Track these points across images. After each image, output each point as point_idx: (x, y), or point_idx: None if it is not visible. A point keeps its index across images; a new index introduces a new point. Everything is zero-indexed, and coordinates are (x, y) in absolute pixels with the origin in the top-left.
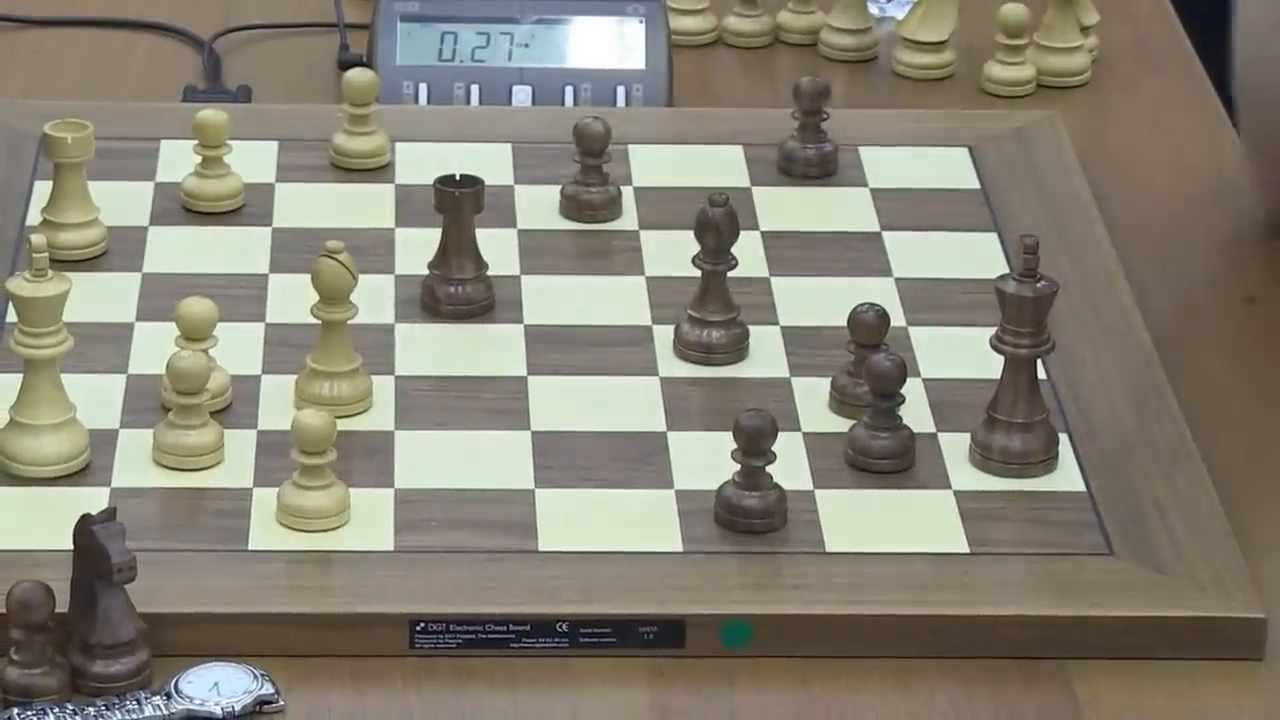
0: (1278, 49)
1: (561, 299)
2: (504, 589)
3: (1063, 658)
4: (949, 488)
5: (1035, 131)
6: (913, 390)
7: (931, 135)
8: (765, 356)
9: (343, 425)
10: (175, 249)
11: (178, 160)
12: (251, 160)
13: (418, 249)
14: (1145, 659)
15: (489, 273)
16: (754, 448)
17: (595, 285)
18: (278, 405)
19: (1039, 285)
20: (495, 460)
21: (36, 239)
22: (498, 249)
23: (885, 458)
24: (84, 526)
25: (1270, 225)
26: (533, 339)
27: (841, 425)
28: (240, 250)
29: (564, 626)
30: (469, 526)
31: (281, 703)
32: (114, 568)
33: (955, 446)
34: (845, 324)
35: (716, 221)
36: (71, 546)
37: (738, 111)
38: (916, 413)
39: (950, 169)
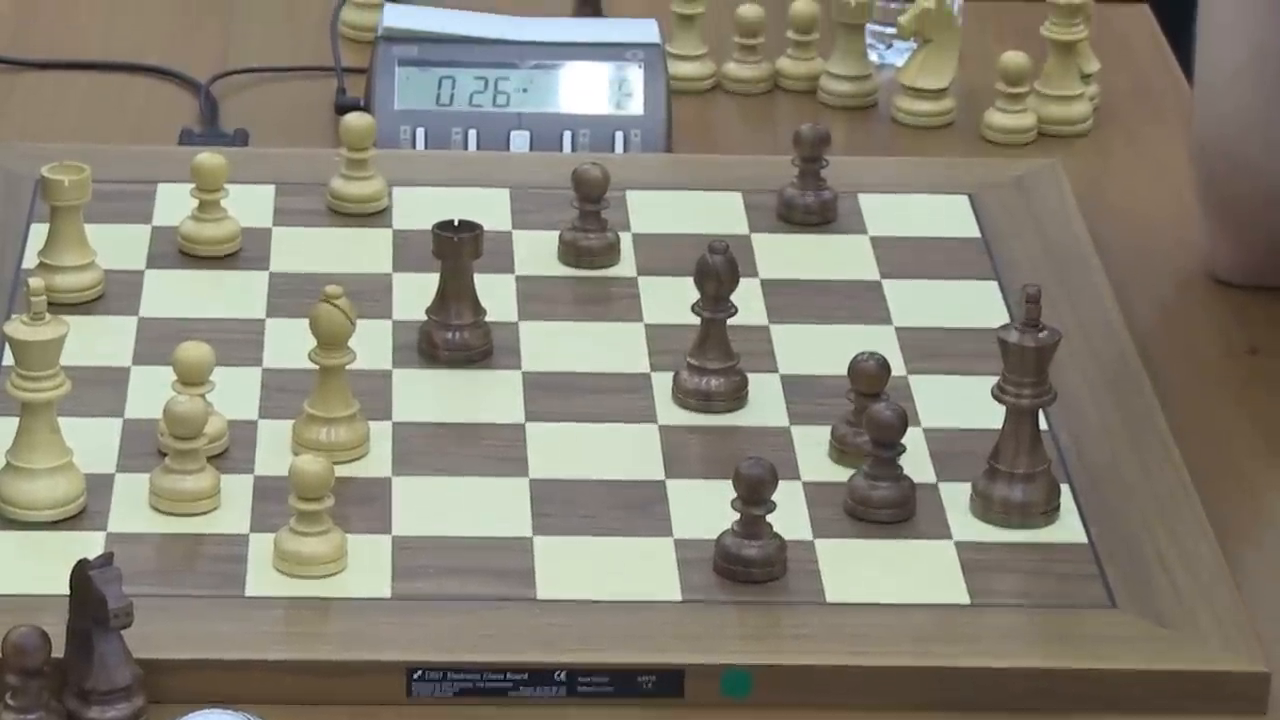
0: (1234, 105)
1: (560, 345)
2: (502, 637)
3: (1064, 711)
4: (950, 538)
5: (1036, 180)
6: (913, 440)
7: (932, 183)
8: (765, 405)
9: (340, 471)
10: (172, 293)
11: (175, 203)
12: (249, 204)
13: (415, 294)
14: (1147, 713)
15: (487, 318)
16: (754, 496)
17: (594, 331)
18: (275, 450)
19: (1041, 335)
20: (493, 507)
21: (34, 282)
22: (496, 295)
23: (885, 507)
24: (81, 571)
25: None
26: (531, 385)
27: (842, 474)
28: (237, 294)
29: (562, 675)
30: (467, 574)
31: None
32: (111, 613)
33: (956, 496)
34: (845, 372)
35: (716, 269)
36: (68, 591)
37: (737, 158)
38: (917, 462)
39: (951, 217)
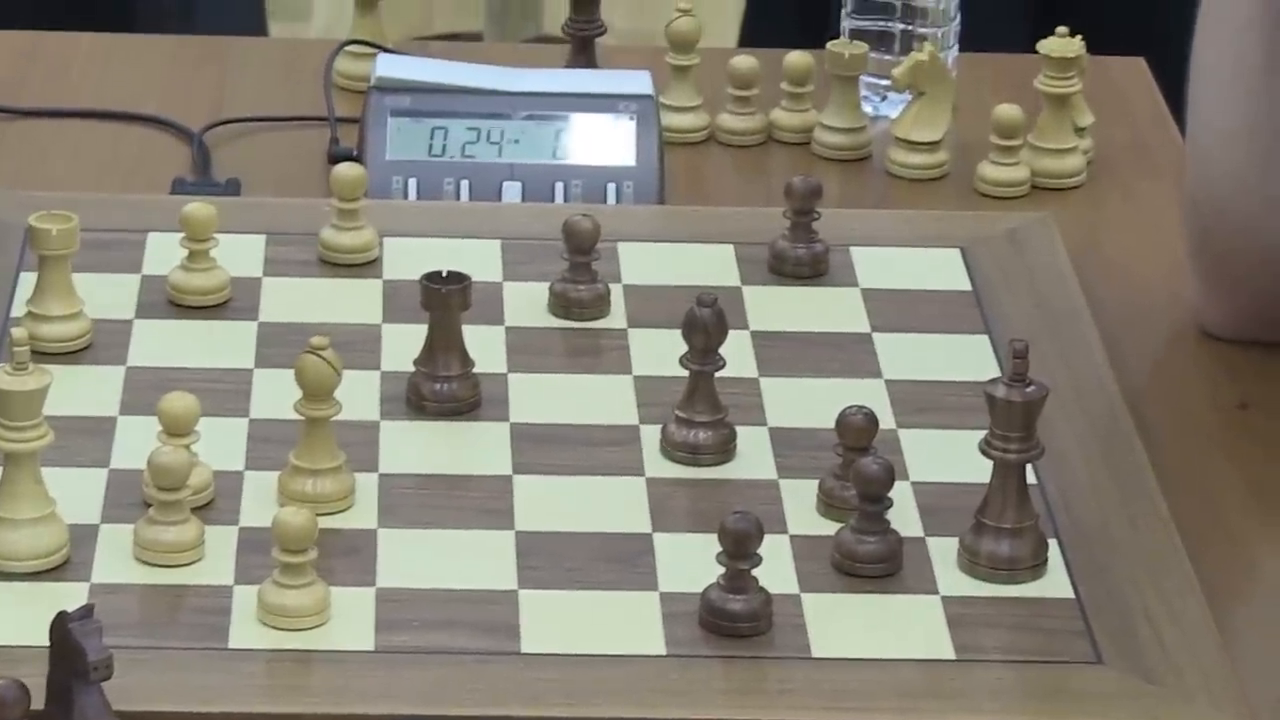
0: (1227, 165)
1: (548, 397)
2: (485, 691)
3: None
4: (936, 593)
5: (1028, 233)
6: (901, 493)
7: (923, 236)
8: (753, 458)
9: (325, 523)
10: (160, 343)
11: (165, 253)
12: (239, 254)
13: (404, 345)
14: None
15: (476, 370)
16: (739, 550)
17: (582, 384)
18: (260, 502)
19: (1028, 390)
20: (479, 560)
21: (17, 332)
22: (485, 346)
23: (872, 562)
24: (60, 623)
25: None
26: (518, 437)
27: (829, 528)
28: (226, 345)
29: None
30: (451, 627)
31: None
32: (90, 665)
33: (944, 551)
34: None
35: (704, 322)
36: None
37: (729, 210)
38: (905, 516)
39: (942, 270)
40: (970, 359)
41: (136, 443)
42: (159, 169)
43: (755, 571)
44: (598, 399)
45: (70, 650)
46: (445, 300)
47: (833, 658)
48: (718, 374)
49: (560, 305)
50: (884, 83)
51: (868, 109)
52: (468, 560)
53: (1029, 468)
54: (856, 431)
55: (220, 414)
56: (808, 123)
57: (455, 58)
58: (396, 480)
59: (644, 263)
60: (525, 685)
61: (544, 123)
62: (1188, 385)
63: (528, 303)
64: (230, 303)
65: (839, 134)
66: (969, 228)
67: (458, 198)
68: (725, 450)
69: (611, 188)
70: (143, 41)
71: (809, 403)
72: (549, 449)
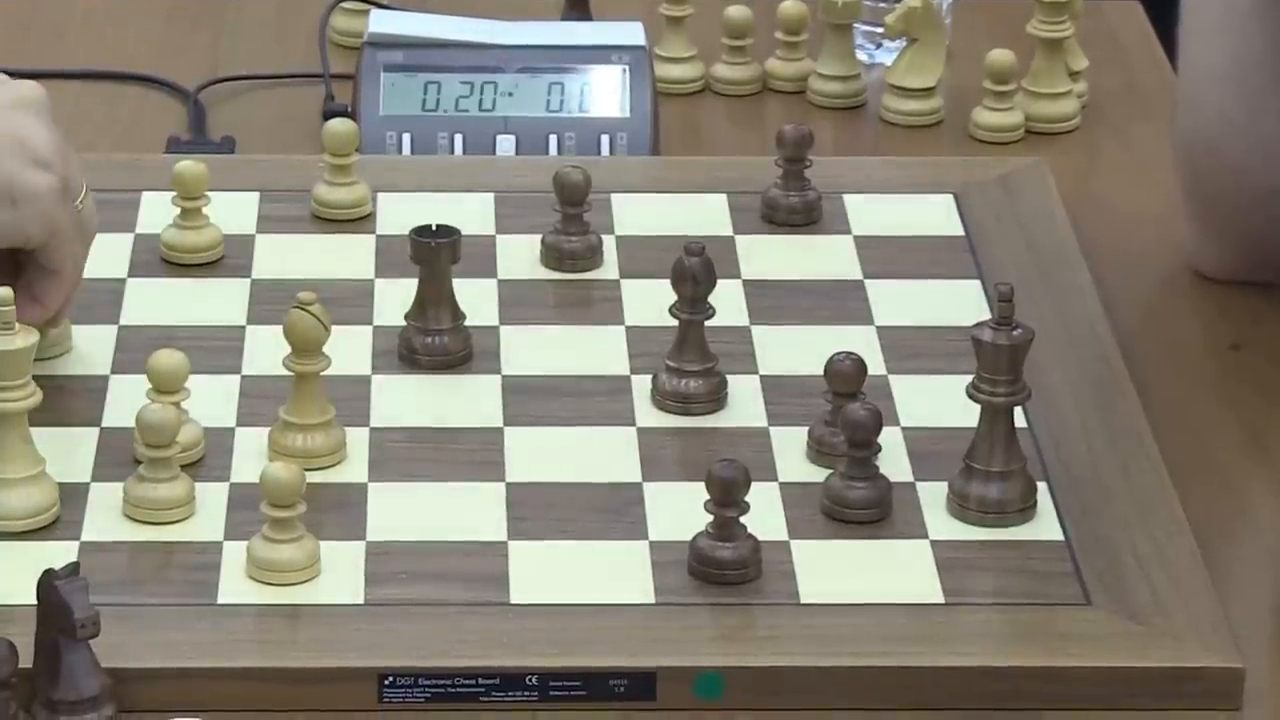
0: (1217, 106)
1: (540, 349)
2: (474, 642)
3: (1038, 709)
4: (926, 537)
5: (1021, 178)
6: (892, 439)
7: (916, 182)
8: (744, 406)
9: (316, 478)
10: (153, 301)
11: (159, 212)
12: (233, 211)
13: (397, 300)
14: (1122, 709)
15: (467, 323)
16: (726, 498)
17: (574, 335)
18: (251, 458)
19: (1014, 333)
20: (469, 512)
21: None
22: (477, 299)
23: (861, 507)
24: (47, 581)
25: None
26: (510, 390)
27: (819, 475)
28: (218, 302)
29: (534, 679)
30: (440, 579)
31: None
32: (76, 623)
33: (933, 495)
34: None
35: (693, 271)
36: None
37: (721, 159)
38: (895, 461)
39: (935, 216)
40: (962, 304)
41: (128, 401)
42: (155, 128)
43: (744, 519)
44: (589, 350)
45: (57, 608)
46: (434, 254)
47: (821, 604)
48: (709, 323)
49: (552, 257)
50: (878, 30)
51: (862, 57)
52: (458, 512)
53: (1020, 411)
54: (845, 377)
55: (213, 371)
56: (802, 71)
57: (462, 10)
58: (387, 434)
59: (636, 213)
60: (512, 635)
61: (537, 76)
62: (1180, 327)
63: (520, 255)
64: (223, 260)
65: (834, 82)
66: (962, 173)
67: (452, 152)
68: (716, 399)
69: (605, 139)
70: (139, 1)
71: (800, 350)
72: (540, 400)
